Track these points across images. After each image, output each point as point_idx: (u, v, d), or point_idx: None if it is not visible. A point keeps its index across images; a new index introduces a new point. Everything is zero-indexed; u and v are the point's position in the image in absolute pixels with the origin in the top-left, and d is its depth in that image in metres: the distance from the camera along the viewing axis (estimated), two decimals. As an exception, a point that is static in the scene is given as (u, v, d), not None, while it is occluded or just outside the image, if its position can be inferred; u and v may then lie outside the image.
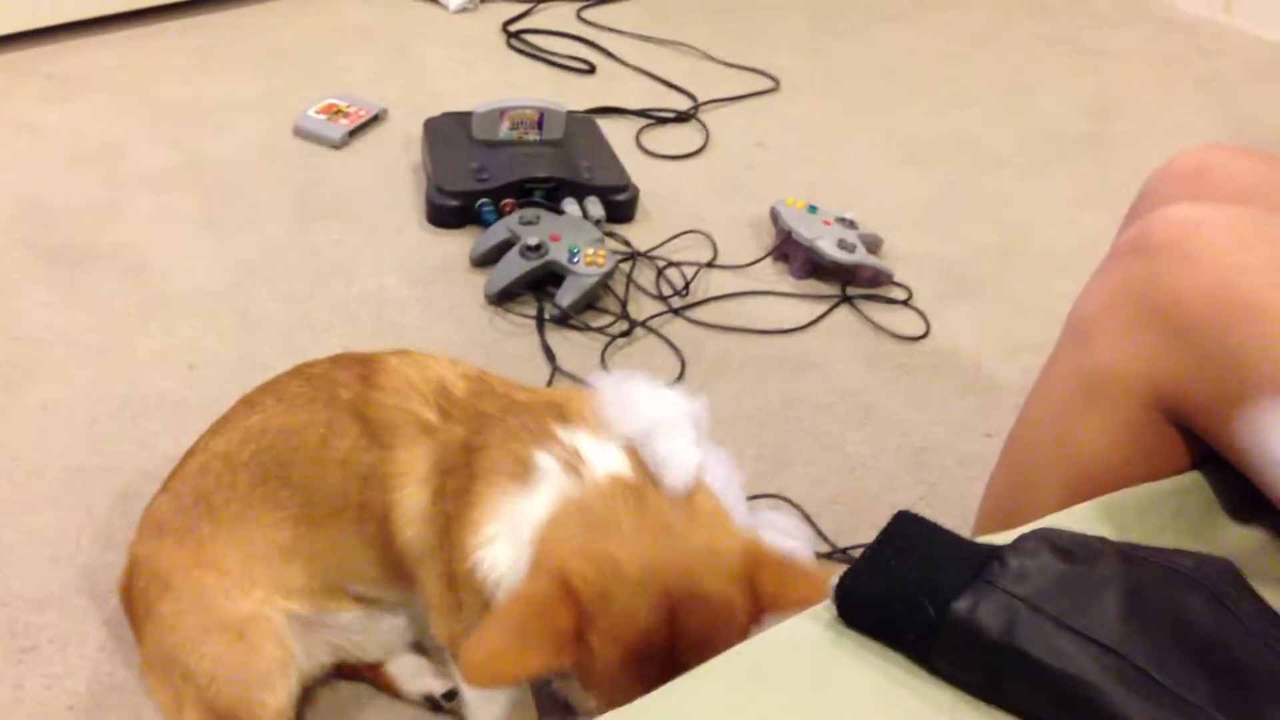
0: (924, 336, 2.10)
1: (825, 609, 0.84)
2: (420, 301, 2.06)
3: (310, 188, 2.34)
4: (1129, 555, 0.80)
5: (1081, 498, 0.96)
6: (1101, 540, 0.82)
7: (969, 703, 0.75)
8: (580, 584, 0.96)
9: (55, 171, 2.29)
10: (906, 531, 0.84)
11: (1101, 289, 0.98)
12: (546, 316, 2.02)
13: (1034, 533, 0.82)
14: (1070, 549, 0.80)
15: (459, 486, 1.11)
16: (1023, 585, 0.76)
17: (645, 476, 1.05)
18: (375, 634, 1.34)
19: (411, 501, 1.15)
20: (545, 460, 1.07)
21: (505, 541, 1.06)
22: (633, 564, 0.97)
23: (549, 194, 2.24)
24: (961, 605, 0.75)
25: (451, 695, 1.33)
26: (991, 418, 1.91)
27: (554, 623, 0.95)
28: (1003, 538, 0.86)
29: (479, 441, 1.12)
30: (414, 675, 1.37)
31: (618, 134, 2.58)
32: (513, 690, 1.23)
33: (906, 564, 0.81)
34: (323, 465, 1.20)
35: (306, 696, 1.35)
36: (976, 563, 0.79)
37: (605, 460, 1.06)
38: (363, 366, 1.24)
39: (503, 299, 2.06)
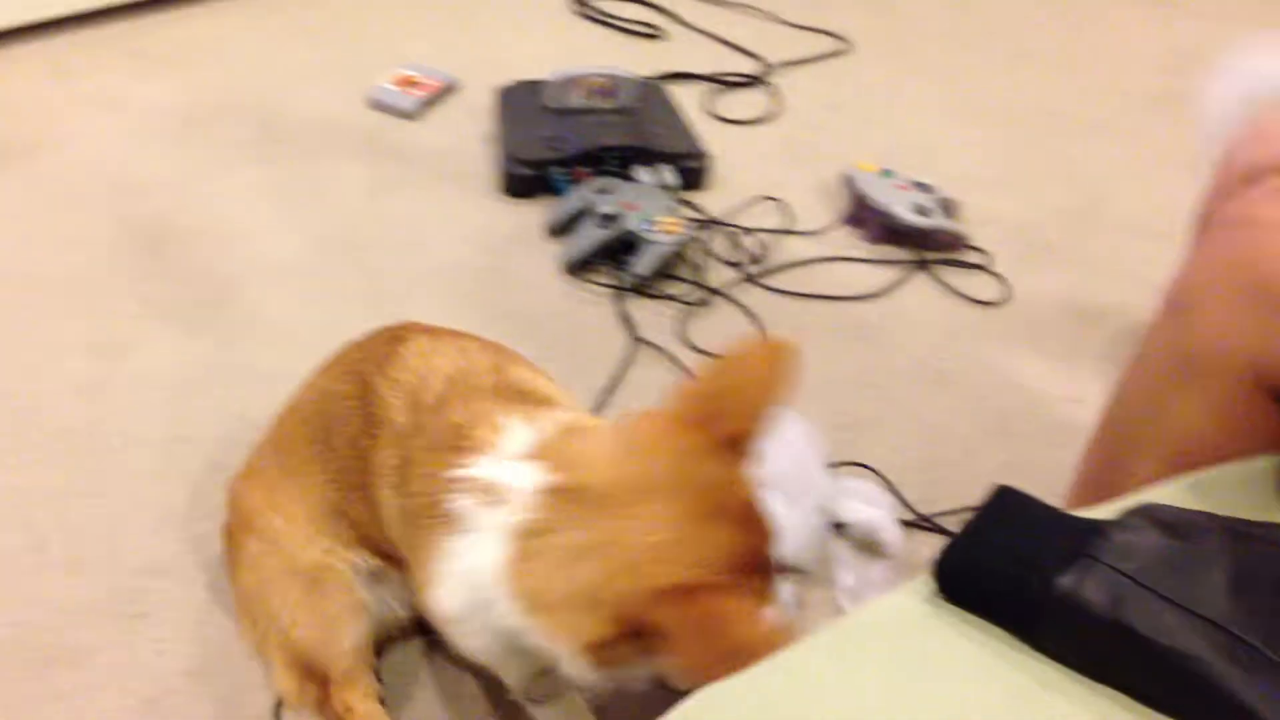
0: (1003, 302, 2.08)
1: (924, 583, 0.85)
2: (496, 271, 2.08)
3: (385, 159, 2.37)
4: (1236, 531, 0.80)
5: (1178, 473, 0.96)
6: (1208, 516, 0.82)
7: (1075, 678, 0.76)
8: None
9: (141, 147, 2.34)
10: (1007, 505, 0.85)
11: (1203, 263, 0.97)
12: (623, 285, 2.04)
13: (1138, 509, 0.82)
14: (1175, 525, 0.80)
15: (406, 508, 1.11)
16: (1128, 561, 0.77)
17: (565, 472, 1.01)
18: None
19: (388, 504, 1.16)
20: (461, 503, 1.04)
21: (456, 584, 1.05)
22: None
23: (622, 161, 2.24)
24: (1066, 581, 0.76)
25: None
26: (1075, 383, 1.89)
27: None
28: (1103, 512, 0.87)
29: (412, 471, 1.11)
30: None
31: (687, 99, 2.58)
32: None
33: (1008, 538, 0.82)
34: (343, 439, 1.23)
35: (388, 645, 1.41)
36: (1080, 538, 0.79)
37: (522, 478, 1.02)
38: (390, 347, 1.23)
39: (579, 268, 2.07)
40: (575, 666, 1.00)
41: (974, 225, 2.25)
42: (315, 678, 1.31)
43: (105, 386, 1.76)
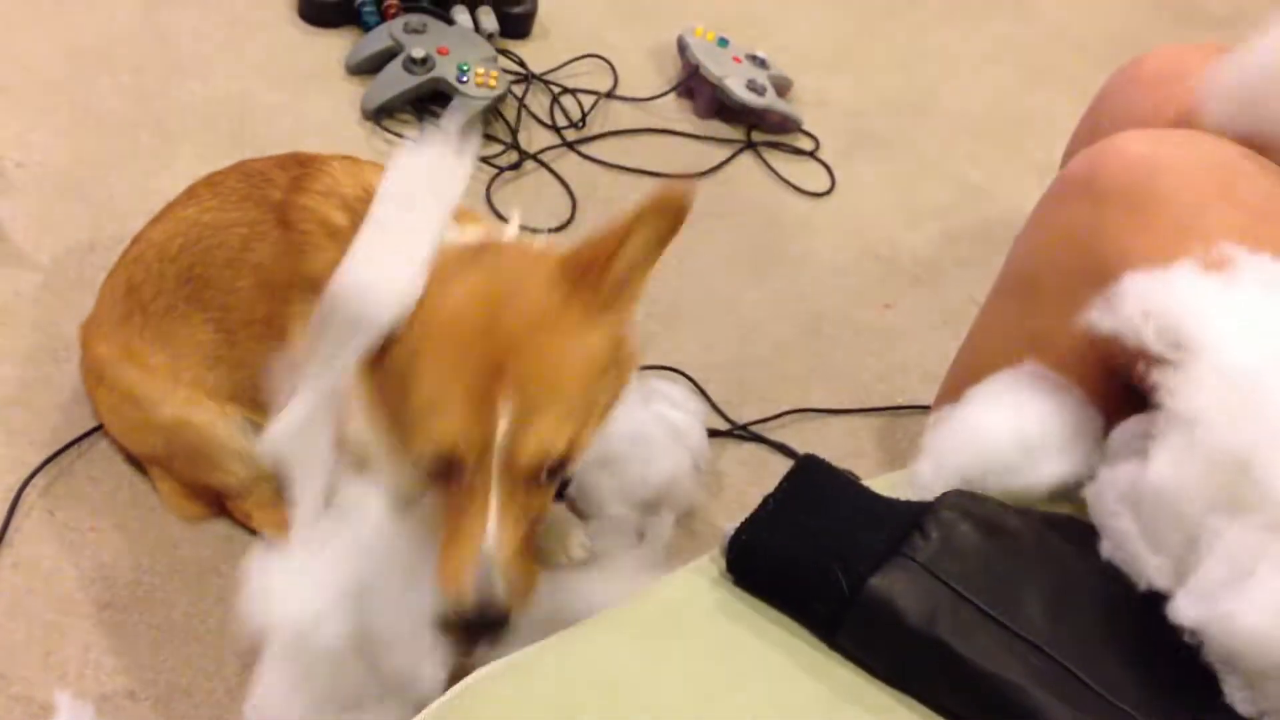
0: (828, 193, 2.00)
1: (716, 561, 0.76)
2: (288, 110, 1.86)
3: (166, -38, 2.07)
4: (1043, 530, 0.74)
5: None
6: (1018, 513, 0.76)
7: (875, 685, 0.69)
8: None
9: None
10: (813, 481, 0.77)
11: (1046, 233, 0.89)
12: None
13: (953, 499, 0.75)
14: (990, 521, 0.73)
15: None
16: (945, 565, 0.69)
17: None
18: None
19: (305, 315, 1.04)
20: None
21: None
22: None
23: (438, -1, 2.02)
24: (879, 582, 0.68)
25: None
26: (890, 288, 1.84)
27: None
28: (905, 484, 0.80)
29: None
30: None
31: (517, -67, 2.34)
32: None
33: (814, 522, 0.73)
34: (239, 270, 1.13)
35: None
36: (894, 530, 0.72)
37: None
38: (301, 168, 1.14)
39: (381, 115, 1.87)
40: None
41: (805, 107, 2.14)
42: (206, 495, 1.29)
43: None
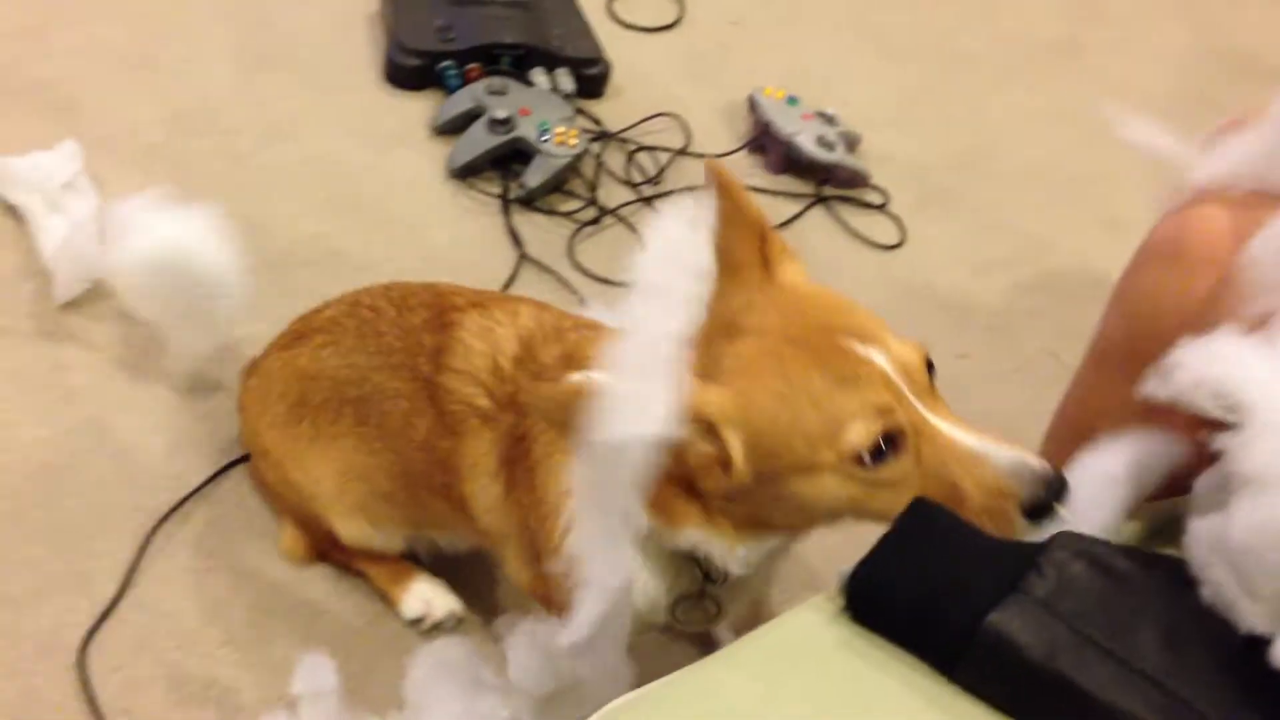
0: (899, 245, 2.04)
1: (833, 600, 0.79)
2: (376, 170, 1.93)
3: (257, 30, 2.16)
4: (1157, 561, 0.77)
5: None
6: (1125, 551, 0.78)
7: (995, 717, 0.72)
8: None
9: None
10: (928, 521, 0.80)
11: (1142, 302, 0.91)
12: (511, 196, 1.92)
13: (1065, 539, 0.78)
14: (1103, 561, 0.76)
15: (524, 479, 1.07)
16: (1062, 602, 0.72)
17: None
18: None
19: (485, 493, 1.13)
20: None
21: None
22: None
23: (517, 62, 2.10)
24: (998, 618, 0.71)
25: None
26: (964, 338, 1.88)
27: None
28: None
29: (527, 429, 1.07)
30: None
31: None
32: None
33: (931, 561, 0.76)
34: (410, 440, 1.18)
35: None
36: (1010, 569, 0.74)
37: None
38: (441, 333, 1.17)
39: (465, 173, 1.94)
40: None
41: (872, 162, 2.19)
42: (325, 543, 1.33)
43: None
